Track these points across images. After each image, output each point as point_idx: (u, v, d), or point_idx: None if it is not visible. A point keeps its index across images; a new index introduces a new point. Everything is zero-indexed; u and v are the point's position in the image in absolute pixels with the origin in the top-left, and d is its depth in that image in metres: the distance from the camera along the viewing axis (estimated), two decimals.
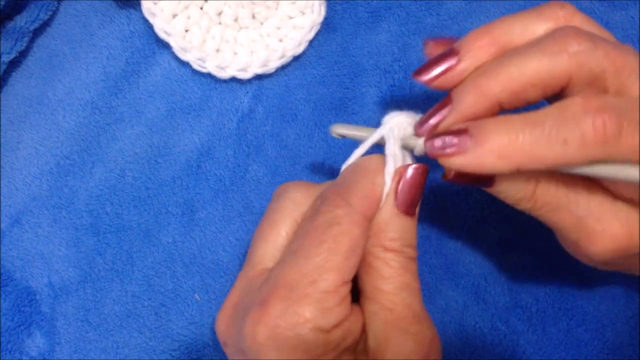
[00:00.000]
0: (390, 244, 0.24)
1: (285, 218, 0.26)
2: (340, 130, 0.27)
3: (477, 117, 0.24)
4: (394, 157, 0.25)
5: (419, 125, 0.26)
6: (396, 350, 0.23)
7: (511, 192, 0.25)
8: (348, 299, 0.23)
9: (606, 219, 0.24)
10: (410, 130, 0.26)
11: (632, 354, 0.33)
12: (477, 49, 0.25)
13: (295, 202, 0.26)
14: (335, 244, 0.23)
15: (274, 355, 0.22)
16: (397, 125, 0.26)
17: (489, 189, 0.25)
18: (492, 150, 0.23)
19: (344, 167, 0.26)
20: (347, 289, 0.23)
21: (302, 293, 0.22)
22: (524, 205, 0.25)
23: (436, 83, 0.26)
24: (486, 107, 0.24)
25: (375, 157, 0.25)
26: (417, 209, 0.25)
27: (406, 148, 0.26)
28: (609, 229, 0.24)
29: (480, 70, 0.25)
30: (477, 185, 0.25)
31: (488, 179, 0.25)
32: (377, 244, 0.24)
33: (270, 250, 0.25)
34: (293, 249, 0.24)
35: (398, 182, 0.24)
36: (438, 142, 0.24)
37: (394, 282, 0.24)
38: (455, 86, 0.26)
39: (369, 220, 0.24)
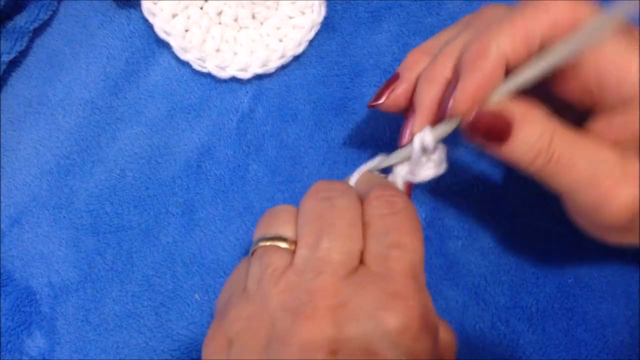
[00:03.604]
0: None
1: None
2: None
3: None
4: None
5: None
6: None
7: (528, 146, 0.24)
8: None
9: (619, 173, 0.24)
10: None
11: (632, 354, 0.33)
12: (412, 63, 0.28)
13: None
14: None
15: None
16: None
17: (502, 148, 0.25)
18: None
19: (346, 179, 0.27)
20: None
21: None
22: (540, 162, 0.24)
23: (386, 104, 0.29)
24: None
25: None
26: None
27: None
28: (625, 185, 0.24)
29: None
30: (490, 141, 0.25)
31: (505, 136, 0.25)
32: None
33: None
34: None
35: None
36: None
37: None
38: (403, 105, 0.29)
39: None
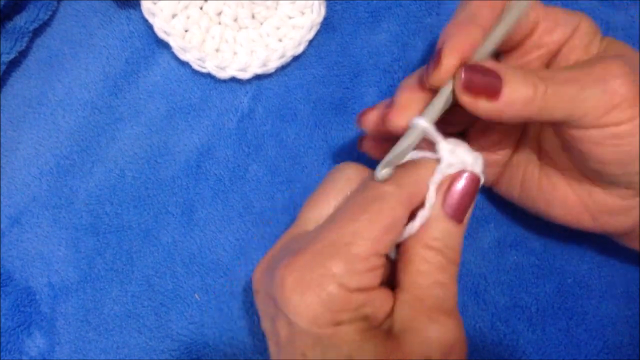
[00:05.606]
0: (433, 243, 0.25)
1: (337, 190, 0.27)
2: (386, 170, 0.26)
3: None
4: (445, 170, 0.25)
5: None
6: (420, 335, 0.24)
7: (522, 82, 0.24)
8: (378, 272, 0.24)
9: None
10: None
11: (632, 354, 0.33)
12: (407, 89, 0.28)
13: (348, 178, 0.27)
14: (377, 216, 0.24)
15: (295, 300, 0.23)
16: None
17: (503, 97, 0.24)
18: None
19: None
20: (378, 261, 0.24)
21: (335, 251, 0.23)
22: (540, 91, 0.24)
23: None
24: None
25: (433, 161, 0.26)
26: (467, 218, 0.26)
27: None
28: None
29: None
30: (488, 94, 0.24)
31: (499, 85, 0.24)
32: (420, 241, 0.25)
33: (316, 216, 0.27)
34: (336, 215, 0.25)
35: (449, 187, 0.25)
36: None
37: (429, 279, 0.25)
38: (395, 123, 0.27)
39: (413, 206, 0.25)
